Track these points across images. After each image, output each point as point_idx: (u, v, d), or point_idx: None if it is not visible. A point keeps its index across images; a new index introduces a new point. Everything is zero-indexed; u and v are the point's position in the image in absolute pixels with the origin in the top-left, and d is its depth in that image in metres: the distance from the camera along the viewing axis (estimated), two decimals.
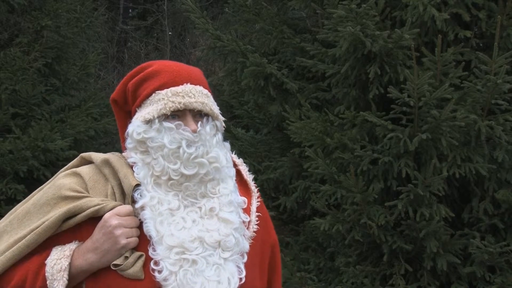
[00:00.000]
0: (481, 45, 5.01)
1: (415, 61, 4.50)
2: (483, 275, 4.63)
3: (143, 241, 2.00)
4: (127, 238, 1.97)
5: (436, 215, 4.55)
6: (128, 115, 2.17)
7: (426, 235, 4.57)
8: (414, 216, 4.58)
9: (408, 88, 4.47)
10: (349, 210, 4.71)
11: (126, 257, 1.98)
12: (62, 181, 2.08)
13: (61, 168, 2.22)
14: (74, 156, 2.22)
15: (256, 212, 2.17)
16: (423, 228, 4.55)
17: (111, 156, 2.12)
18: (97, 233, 1.99)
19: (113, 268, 1.97)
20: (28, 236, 2.01)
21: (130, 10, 16.07)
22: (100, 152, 2.20)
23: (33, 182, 6.48)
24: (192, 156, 2.02)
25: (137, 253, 1.99)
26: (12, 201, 6.44)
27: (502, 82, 4.44)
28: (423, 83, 4.43)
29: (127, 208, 2.01)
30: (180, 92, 2.05)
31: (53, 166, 6.75)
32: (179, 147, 2.02)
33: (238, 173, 2.21)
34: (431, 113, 4.44)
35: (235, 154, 2.24)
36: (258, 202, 2.20)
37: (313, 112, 5.08)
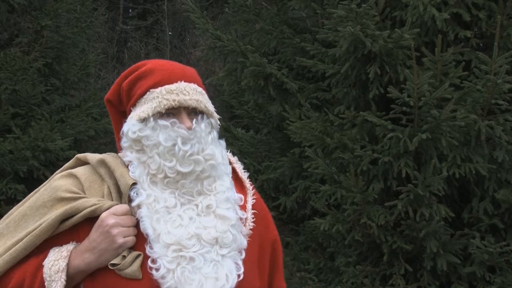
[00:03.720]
0: (481, 45, 5.01)
1: (415, 61, 4.50)
2: (483, 275, 4.63)
3: (140, 240, 2.00)
4: (124, 237, 1.97)
5: (436, 215, 4.55)
6: (123, 115, 2.17)
7: (426, 235, 4.56)
8: (414, 216, 4.58)
9: (408, 88, 4.47)
10: (349, 210, 4.71)
11: (124, 257, 1.97)
12: (58, 182, 2.07)
13: (61, 168, 2.22)
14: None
15: (252, 209, 2.17)
16: (423, 228, 4.55)
17: (107, 156, 2.13)
18: (94, 233, 1.99)
19: (110, 268, 1.97)
20: (25, 239, 2.01)
21: (130, 10, 16.08)
22: (99, 152, 2.21)
23: (33, 182, 6.48)
24: (188, 154, 2.02)
25: (135, 253, 1.98)
26: (12, 201, 6.44)
27: (502, 82, 4.44)
28: (423, 83, 4.43)
29: (123, 207, 2.01)
30: (174, 90, 2.06)
31: (53, 166, 6.75)
32: (174, 145, 2.02)
33: (233, 171, 2.21)
34: (431, 113, 4.44)
35: (230, 152, 2.24)
36: (253, 199, 2.20)
37: (313, 112, 5.08)
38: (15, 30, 7.40)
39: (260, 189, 5.54)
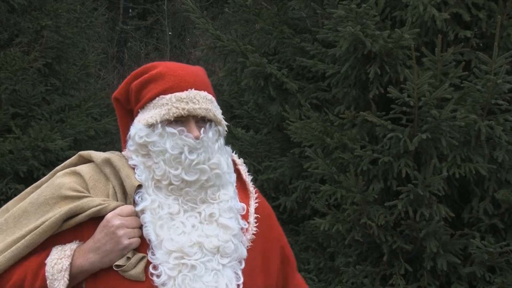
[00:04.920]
0: (481, 45, 5.00)
1: (415, 61, 4.50)
2: (483, 275, 4.62)
3: (142, 245, 1.99)
4: (130, 238, 1.97)
5: (436, 215, 4.54)
6: (130, 114, 2.16)
7: (426, 235, 4.56)
8: (414, 216, 4.58)
9: (408, 88, 4.47)
10: (349, 210, 4.70)
11: (128, 258, 1.97)
12: (62, 180, 2.06)
13: (62, 164, 2.20)
14: None
15: (255, 213, 2.17)
16: (423, 228, 4.55)
17: (112, 155, 2.11)
18: (99, 233, 1.98)
19: (115, 269, 1.97)
20: (27, 237, 1.99)
21: (130, 10, 16.07)
22: (100, 152, 2.19)
23: (33, 182, 6.41)
24: (194, 163, 2.01)
25: (139, 255, 1.98)
26: None
27: (502, 82, 4.44)
28: (423, 83, 4.43)
29: (129, 208, 2.00)
30: (184, 98, 2.04)
31: (53, 166, 6.69)
32: (181, 153, 2.01)
33: (238, 173, 2.21)
34: (431, 113, 4.44)
35: (235, 153, 2.24)
36: (256, 203, 2.20)
37: (313, 112, 5.07)
38: (15, 30, 7.40)
39: (260, 189, 5.51)
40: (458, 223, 4.86)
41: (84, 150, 2.26)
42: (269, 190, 5.62)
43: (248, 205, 2.17)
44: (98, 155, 2.11)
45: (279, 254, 2.25)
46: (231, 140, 5.83)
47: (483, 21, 4.78)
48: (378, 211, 4.70)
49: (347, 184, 4.65)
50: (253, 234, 2.13)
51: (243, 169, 2.24)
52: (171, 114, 2.03)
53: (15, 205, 2.11)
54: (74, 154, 2.22)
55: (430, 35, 4.83)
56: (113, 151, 2.15)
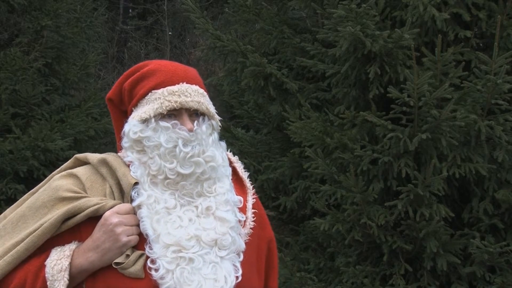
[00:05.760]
0: (481, 45, 5.01)
1: (415, 61, 4.50)
2: (483, 275, 4.63)
3: (141, 242, 2.00)
4: (128, 236, 1.98)
5: (436, 215, 4.55)
6: (124, 115, 2.18)
7: (426, 235, 4.56)
8: (414, 216, 4.58)
9: (408, 88, 4.47)
10: (349, 210, 4.71)
11: (128, 256, 1.98)
12: (59, 182, 2.07)
13: (59, 168, 2.21)
14: None
15: (252, 209, 2.18)
16: (423, 228, 4.55)
17: (108, 156, 2.13)
18: (98, 231, 1.99)
19: (114, 267, 1.97)
20: (27, 239, 2.00)
21: (130, 10, 16.08)
22: (99, 152, 2.21)
23: (33, 182, 6.47)
24: (189, 155, 2.03)
25: (138, 252, 1.99)
26: (12, 201, 6.43)
27: (502, 82, 4.44)
28: (423, 83, 4.43)
29: (126, 206, 2.01)
30: (176, 91, 2.06)
31: (53, 166, 6.74)
32: (175, 146, 2.03)
33: (234, 171, 2.22)
34: (431, 113, 4.44)
35: (230, 151, 2.25)
36: (253, 199, 2.21)
37: (313, 112, 5.07)
38: (15, 30, 7.40)
39: (260, 189, 5.54)
40: (458, 223, 4.87)
41: (84, 150, 2.28)
42: (269, 190, 5.62)
43: (245, 200, 2.18)
44: (94, 157, 2.13)
45: (265, 255, 2.26)
46: (231, 140, 5.84)
47: (483, 21, 4.78)
48: (378, 211, 4.70)
49: (347, 184, 4.65)
50: (251, 228, 2.14)
51: (238, 166, 2.26)
52: (164, 108, 2.04)
53: (12, 212, 2.12)
54: (74, 154, 2.23)
55: (430, 35, 4.83)
56: (109, 153, 2.17)
